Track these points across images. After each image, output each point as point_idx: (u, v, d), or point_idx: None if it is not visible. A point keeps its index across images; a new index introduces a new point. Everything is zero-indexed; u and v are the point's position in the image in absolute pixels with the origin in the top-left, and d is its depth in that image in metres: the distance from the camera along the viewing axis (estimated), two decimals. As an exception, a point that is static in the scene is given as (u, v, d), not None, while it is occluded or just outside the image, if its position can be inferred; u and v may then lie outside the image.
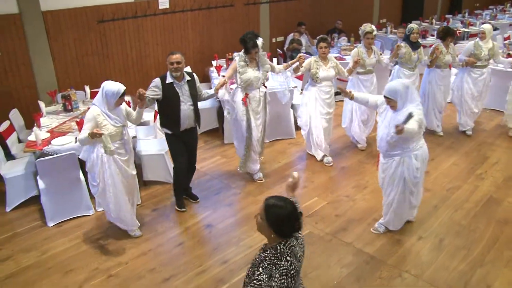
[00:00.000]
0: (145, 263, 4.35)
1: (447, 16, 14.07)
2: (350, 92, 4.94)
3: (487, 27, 6.97)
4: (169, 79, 4.76)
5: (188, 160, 5.20)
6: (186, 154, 5.11)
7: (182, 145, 5.04)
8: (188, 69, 7.79)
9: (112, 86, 4.24)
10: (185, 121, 4.89)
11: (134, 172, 4.65)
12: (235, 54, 8.04)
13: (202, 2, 8.52)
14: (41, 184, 4.86)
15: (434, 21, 12.49)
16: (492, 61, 7.10)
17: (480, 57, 6.84)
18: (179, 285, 4.06)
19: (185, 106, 4.84)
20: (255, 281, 2.31)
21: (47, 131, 5.44)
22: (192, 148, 5.24)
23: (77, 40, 7.01)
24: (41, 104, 6.24)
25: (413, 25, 6.76)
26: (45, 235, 4.83)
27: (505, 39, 10.64)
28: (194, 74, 5.05)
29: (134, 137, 5.46)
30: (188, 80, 4.88)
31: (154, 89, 4.76)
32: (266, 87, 5.75)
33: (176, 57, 4.70)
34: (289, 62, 5.97)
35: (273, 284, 2.32)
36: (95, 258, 4.42)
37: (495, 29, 12.24)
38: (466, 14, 14.01)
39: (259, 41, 5.32)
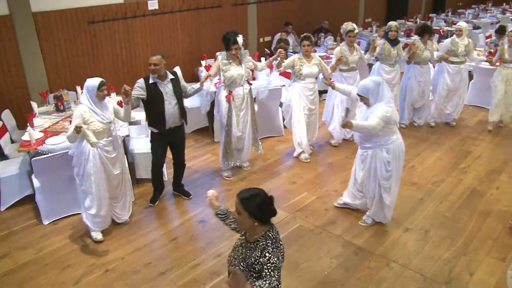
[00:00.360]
0: (141, 258, 4.46)
1: (431, 15, 14.35)
2: (332, 81, 5.34)
3: (463, 24, 7.27)
4: (152, 79, 4.86)
5: (178, 159, 5.36)
6: (164, 154, 5.26)
7: (165, 144, 5.18)
8: (177, 69, 7.92)
9: (91, 80, 4.39)
10: (170, 120, 4.99)
11: (118, 171, 4.68)
12: (218, 53, 8.19)
13: (190, 3, 8.63)
14: (36, 183, 4.93)
15: (418, 20, 12.74)
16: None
17: (457, 53, 7.11)
18: (174, 278, 4.18)
19: (170, 105, 4.94)
20: (269, 264, 2.43)
21: (40, 131, 5.51)
22: (179, 146, 5.35)
23: (67, 41, 7.07)
24: (34, 105, 6.30)
25: (392, 23, 6.97)
26: (40, 233, 4.90)
27: (487, 37, 10.91)
28: (178, 72, 5.12)
29: (127, 136, 5.55)
30: (171, 79, 4.97)
31: (138, 89, 4.87)
32: (251, 84, 5.88)
33: (154, 59, 4.78)
34: (270, 58, 6.10)
35: (280, 265, 2.53)
36: (91, 254, 4.52)
37: (477, 27, 12.57)
38: (450, 13, 14.30)
39: (239, 38, 5.47)
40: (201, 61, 8.42)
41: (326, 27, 10.87)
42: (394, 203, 4.76)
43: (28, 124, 5.61)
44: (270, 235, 2.55)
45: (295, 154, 6.55)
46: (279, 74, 7.18)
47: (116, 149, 4.61)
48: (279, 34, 10.04)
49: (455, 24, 12.28)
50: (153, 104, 4.93)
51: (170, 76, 4.96)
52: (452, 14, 14.34)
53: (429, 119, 7.69)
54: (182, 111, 5.09)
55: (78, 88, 6.77)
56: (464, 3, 17.24)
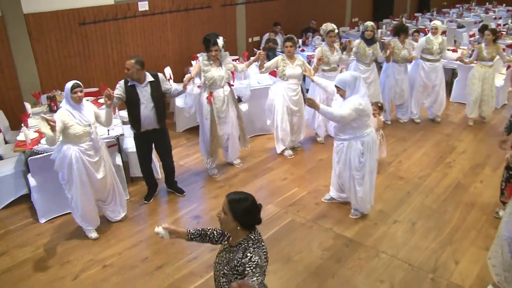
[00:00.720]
0: (138, 253, 4.57)
1: (416, 14, 14.63)
2: (312, 74, 5.72)
3: (438, 23, 7.53)
4: (130, 82, 4.91)
5: (164, 161, 5.47)
6: (148, 153, 5.35)
7: (145, 143, 5.24)
8: (167, 69, 8.04)
9: (67, 84, 4.43)
10: (145, 122, 5.04)
11: (101, 176, 4.68)
12: (198, 54, 8.28)
13: (180, 4, 8.74)
14: (33, 182, 5.00)
15: (404, 19, 12.96)
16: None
17: (432, 51, 7.37)
18: (171, 272, 4.30)
19: (146, 108, 4.97)
20: (250, 263, 2.46)
21: (35, 131, 5.58)
22: (164, 149, 5.40)
23: (59, 42, 7.14)
24: (27, 105, 6.37)
25: (368, 23, 7.14)
26: (38, 231, 4.99)
27: (470, 36, 11.16)
28: (159, 74, 5.14)
29: (122, 135, 5.65)
30: (151, 82, 4.99)
31: (119, 89, 4.96)
32: (232, 85, 6.00)
33: (127, 63, 4.82)
34: (251, 60, 6.22)
35: (263, 264, 2.52)
36: (89, 250, 4.62)
37: (461, 26, 12.84)
38: (435, 12, 14.57)
39: (220, 40, 5.58)
40: (192, 61, 8.55)
41: (314, 27, 11.04)
42: (368, 194, 4.97)
43: (22, 125, 5.68)
44: (252, 237, 2.57)
45: (279, 151, 6.70)
46: (269, 73, 7.33)
47: (97, 153, 4.62)
48: (267, 34, 10.20)
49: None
50: (130, 106, 5.02)
51: (149, 79, 4.97)
52: (437, 13, 14.62)
53: (412, 116, 7.91)
54: (160, 114, 5.09)
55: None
56: (449, 3, 17.56)
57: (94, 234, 4.83)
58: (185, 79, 5.28)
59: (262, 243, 2.60)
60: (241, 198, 2.56)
